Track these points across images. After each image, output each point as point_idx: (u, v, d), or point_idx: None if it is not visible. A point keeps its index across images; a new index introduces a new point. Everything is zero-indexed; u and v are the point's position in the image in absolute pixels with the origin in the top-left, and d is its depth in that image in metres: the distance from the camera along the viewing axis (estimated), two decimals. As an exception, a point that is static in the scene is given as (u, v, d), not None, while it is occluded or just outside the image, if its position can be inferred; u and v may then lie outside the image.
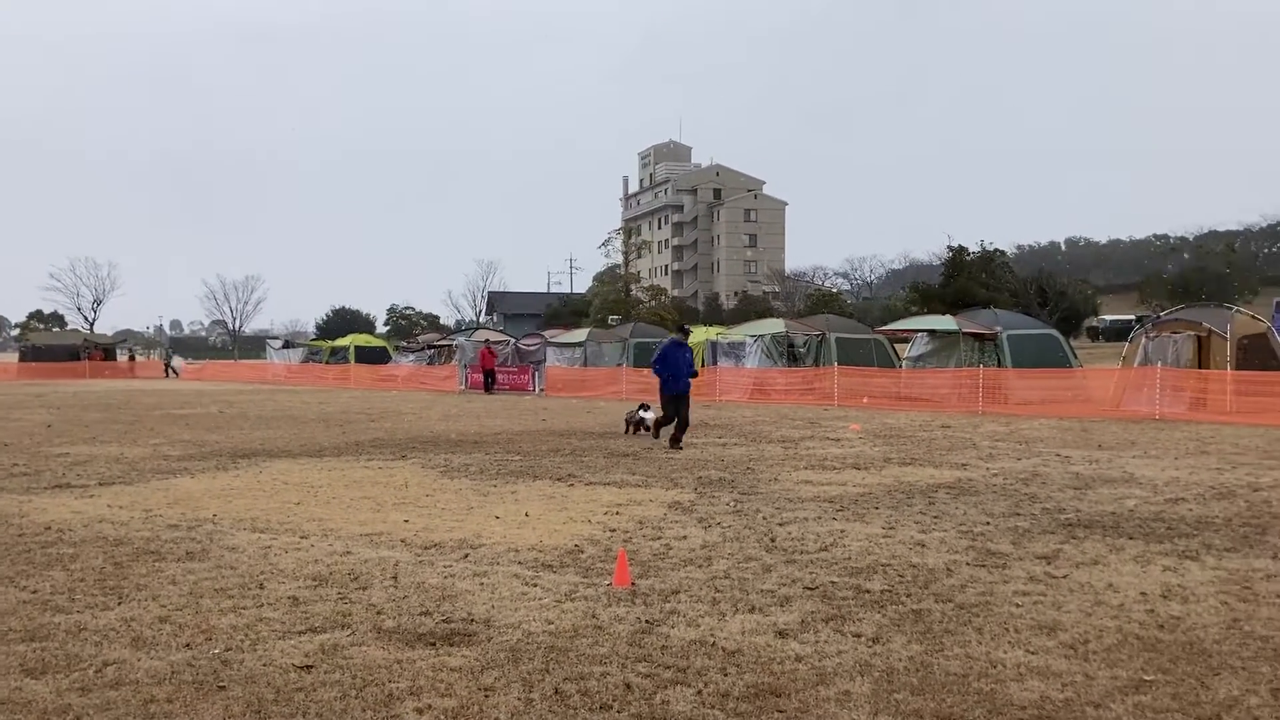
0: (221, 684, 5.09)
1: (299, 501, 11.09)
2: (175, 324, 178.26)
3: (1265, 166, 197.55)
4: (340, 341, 57.75)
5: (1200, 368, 24.01)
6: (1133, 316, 63.34)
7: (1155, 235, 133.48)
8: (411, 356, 49.02)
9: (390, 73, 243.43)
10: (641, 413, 19.36)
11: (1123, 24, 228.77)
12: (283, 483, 12.64)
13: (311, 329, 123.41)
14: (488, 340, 42.12)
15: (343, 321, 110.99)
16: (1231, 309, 26.76)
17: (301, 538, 8.97)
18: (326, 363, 52.78)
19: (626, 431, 19.35)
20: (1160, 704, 4.77)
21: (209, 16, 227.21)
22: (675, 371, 17.22)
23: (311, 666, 5.36)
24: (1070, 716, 4.63)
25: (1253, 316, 26.18)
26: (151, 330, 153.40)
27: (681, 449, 16.31)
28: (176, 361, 66.93)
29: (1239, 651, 5.55)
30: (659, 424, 18.03)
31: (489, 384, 37.01)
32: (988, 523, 9.53)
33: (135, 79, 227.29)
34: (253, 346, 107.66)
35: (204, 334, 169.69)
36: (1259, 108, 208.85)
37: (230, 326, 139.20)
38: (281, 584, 7.22)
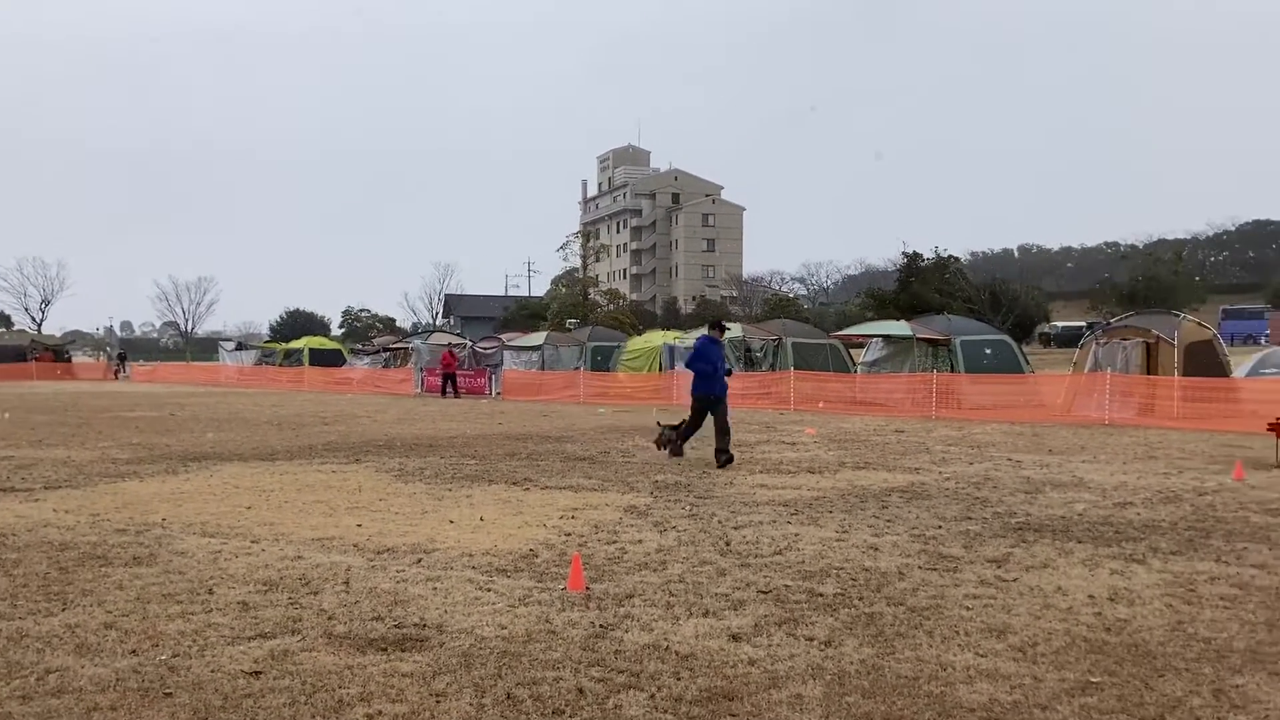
0: (168, 690, 5.01)
1: (250, 506, 10.96)
2: (126, 325, 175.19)
3: (1212, 176, 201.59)
4: (294, 344, 57.25)
5: (1149, 374, 24.42)
6: (1084, 323, 64.27)
7: (1106, 243, 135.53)
8: (367, 359, 48.69)
9: (349, 73, 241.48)
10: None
11: (1082, 33, 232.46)
12: (234, 487, 12.48)
13: (265, 331, 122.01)
14: (450, 344, 41.87)
15: (297, 323, 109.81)
16: (1179, 316, 27.25)
17: (252, 542, 8.87)
18: (280, 365, 52.27)
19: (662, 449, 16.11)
20: (1106, 705, 4.84)
21: (170, 15, 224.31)
22: (714, 369, 15.06)
23: (260, 672, 5.30)
24: (1018, 718, 4.68)
25: (1199, 323, 26.67)
26: (101, 331, 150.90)
27: (731, 461, 14.43)
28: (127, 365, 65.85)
29: (1182, 653, 5.65)
30: (680, 434, 15.65)
31: (450, 388, 36.75)
32: (939, 526, 9.62)
33: (90, 76, 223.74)
34: (205, 348, 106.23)
35: (156, 335, 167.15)
36: (1205, 119, 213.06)
37: (182, 328, 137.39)
38: (231, 589, 7.13)
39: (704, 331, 15.95)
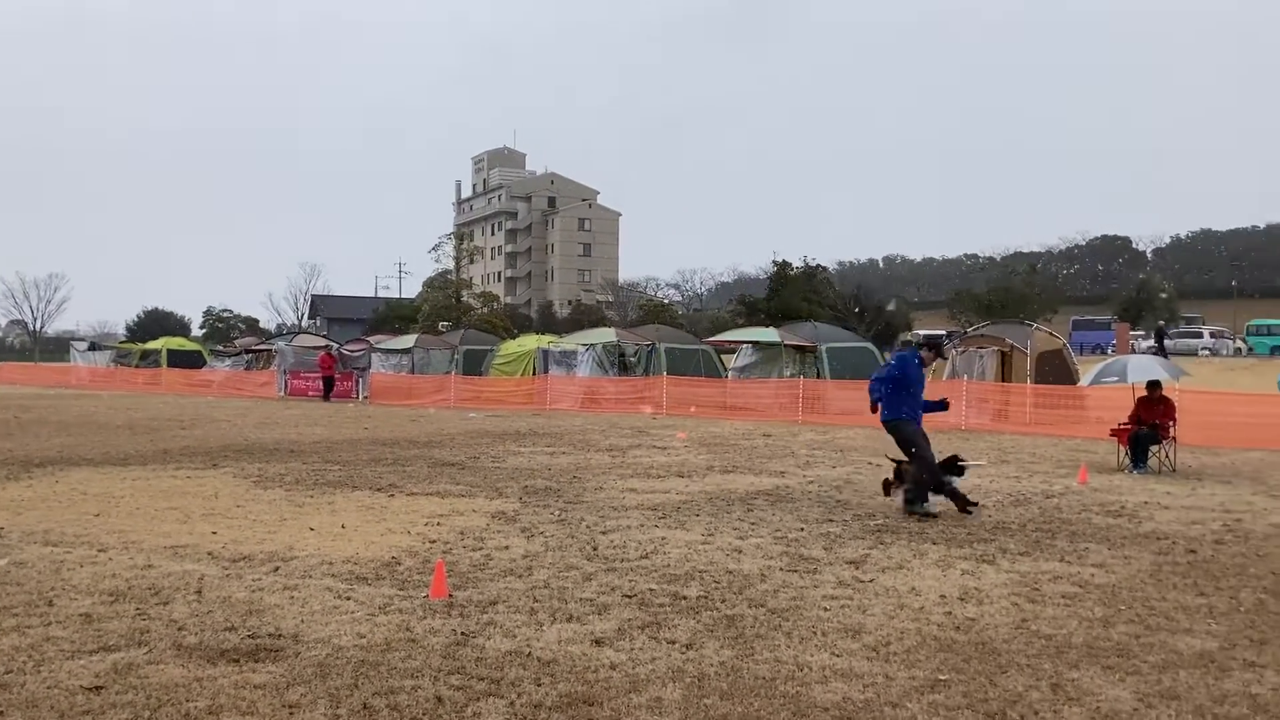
0: (-2, 710, 4.75)
1: (98, 513, 10.48)
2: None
3: (1065, 194, 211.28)
4: (152, 344, 54.99)
5: (1003, 381, 25.44)
6: (943, 331, 66.58)
7: (966, 255, 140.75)
8: (228, 361, 47.12)
9: (216, 66, 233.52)
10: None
11: (950, 48, 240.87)
12: (81, 493, 11.92)
13: (122, 331, 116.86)
14: (328, 346, 40.72)
15: (156, 323, 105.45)
16: (1032, 325, 28.47)
17: (99, 551, 8.49)
18: (136, 366, 50.16)
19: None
20: (953, 702, 5.01)
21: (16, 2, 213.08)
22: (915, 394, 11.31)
23: (102, 687, 5.07)
24: (869, 716, 4.81)
25: (1051, 333, 27.94)
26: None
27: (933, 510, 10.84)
28: None
29: (1025, 650, 5.89)
30: (924, 480, 10.90)
31: (328, 392, 35.63)
32: (802, 529, 9.83)
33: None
34: (56, 349, 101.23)
35: (1, 335, 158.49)
36: (1060, 137, 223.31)
37: (31, 327, 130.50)
38: (73, 600, 6.81)
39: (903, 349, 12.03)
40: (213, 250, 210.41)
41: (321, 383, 36.08)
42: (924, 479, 10.78)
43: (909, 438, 10.95)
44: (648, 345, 32.83)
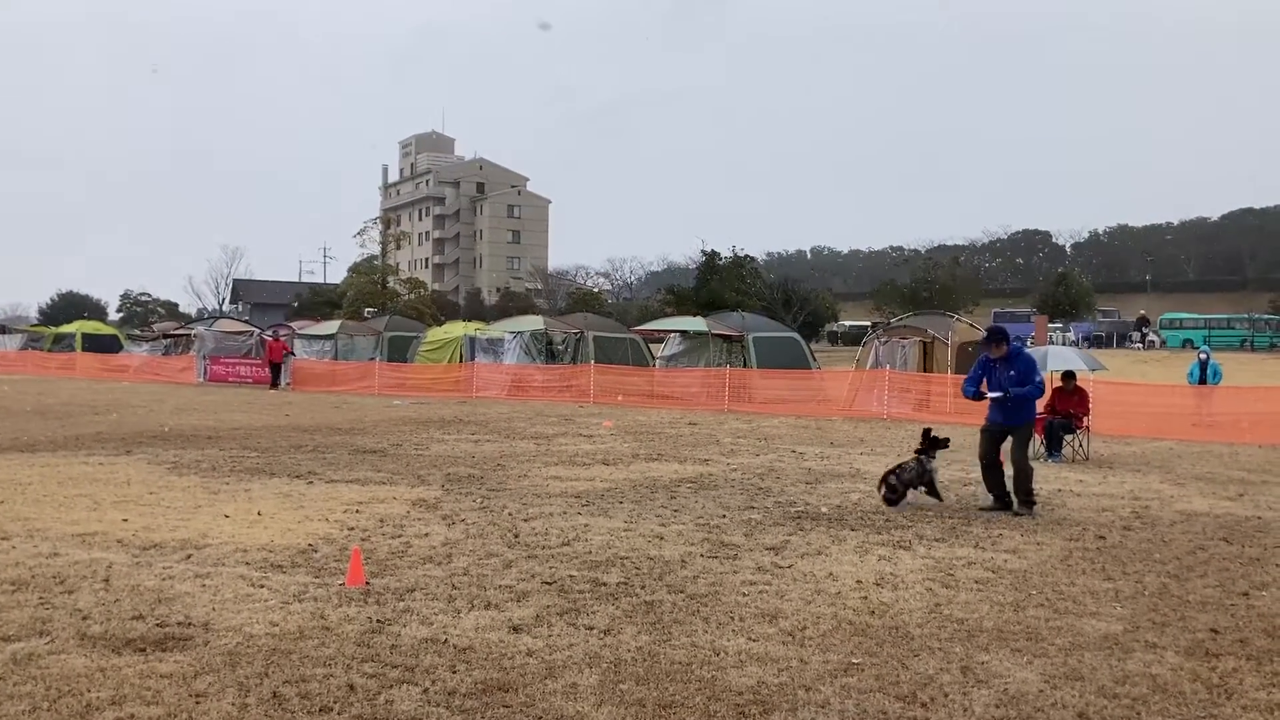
0: (-114, 702, 4.58)
1: (2, 500, 10.15)
2: None
3: (990, 187, 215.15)
4: (66, 328, 53.42)
5: (925, 371, 25.86)
6: (868, 322, 67.47)
7: (891, 247, 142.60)
8: (146, 346, 45.98)
9: (137, 44, 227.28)
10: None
11: (873, 42, 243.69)
12: (-15, 480, 11.54)
13: (34, 314, 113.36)
14: (275, 331, 39.59)
15: (70, 307, 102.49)
16: (953, 317, 28.97)
17: (2, 539, 8.23)
18: (49, 350, 48.69)
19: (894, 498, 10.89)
20: (865, 685, 5.08)
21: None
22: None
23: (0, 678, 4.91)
24: (783, 700, 4.86)
25: (971, 325, 28.44)
26: None
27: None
28: None
29: (938, 634, 6.00)
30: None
31: (276, 379, 34.22)
32: (724, 515, 9.89)
33: None
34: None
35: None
36: (981, 134, 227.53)
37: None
38: (-28, 590, 6.58)
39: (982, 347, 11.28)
40: (131, 233, 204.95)
41: (269, 369, 34.84)
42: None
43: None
44: (576, 333, 32.75)
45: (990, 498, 10.71)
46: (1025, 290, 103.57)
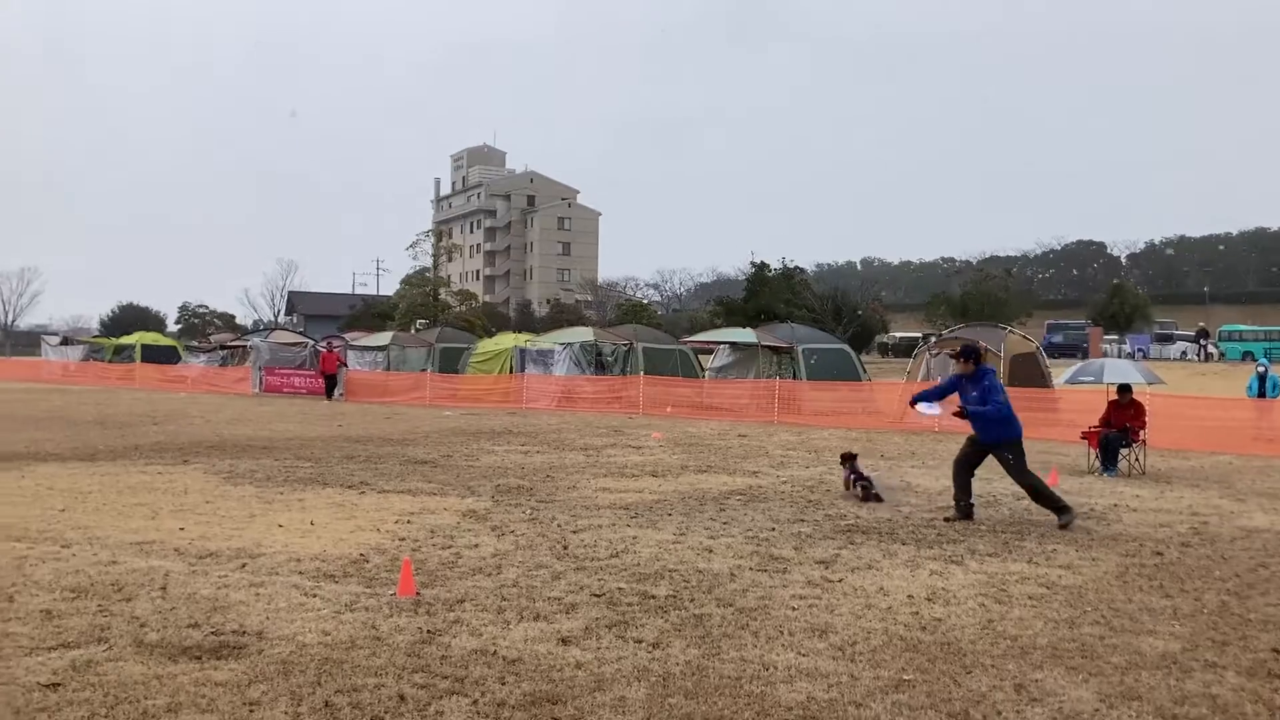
0: (-48, 706, 4.69)
1: (64, 508, 10.38)
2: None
3: (1042, 197, 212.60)
4: (126, 339, 54.50)
5: (977, 383, 25.53)
6: (919, 334, 66.87)
7: (942, 258, 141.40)
8: (203, 357, 46.75)
9: (196, 64, 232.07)
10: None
11: (928, 54, 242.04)
12: (47, 488, 11.80)
13: (96, 326, 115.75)
14: (329, 342, 39.96)
15: (130, 318, 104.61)
16: (1005, 329, 28.65)
17: (63, 547, 8.40)
18: (110, 361, 49.71)
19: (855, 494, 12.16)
20: (916, 701, 5.03)
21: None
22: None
23: (59, 684, 5.02)
24: (833, 716, 4.82)
25: (1024, 336, 28.10)
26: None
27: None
28: None
29: (990, 650, 5.92)
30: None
31: (330, 390, 34.33)
32: (773, 528, 9.84)
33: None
34: (27, 343, 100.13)
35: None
36: (1040, 140, 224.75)
37: (2, 321, 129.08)
38: (34, 596, 6.73)
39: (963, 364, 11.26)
40: (190, 246, 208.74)
41: (323, 380, 35.06)
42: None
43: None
44: (625, 345, 32.82)
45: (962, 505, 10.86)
46: (1079, 302, 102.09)
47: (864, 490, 11.92)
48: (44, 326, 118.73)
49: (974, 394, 10.91)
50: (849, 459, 12.73)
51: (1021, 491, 11.00)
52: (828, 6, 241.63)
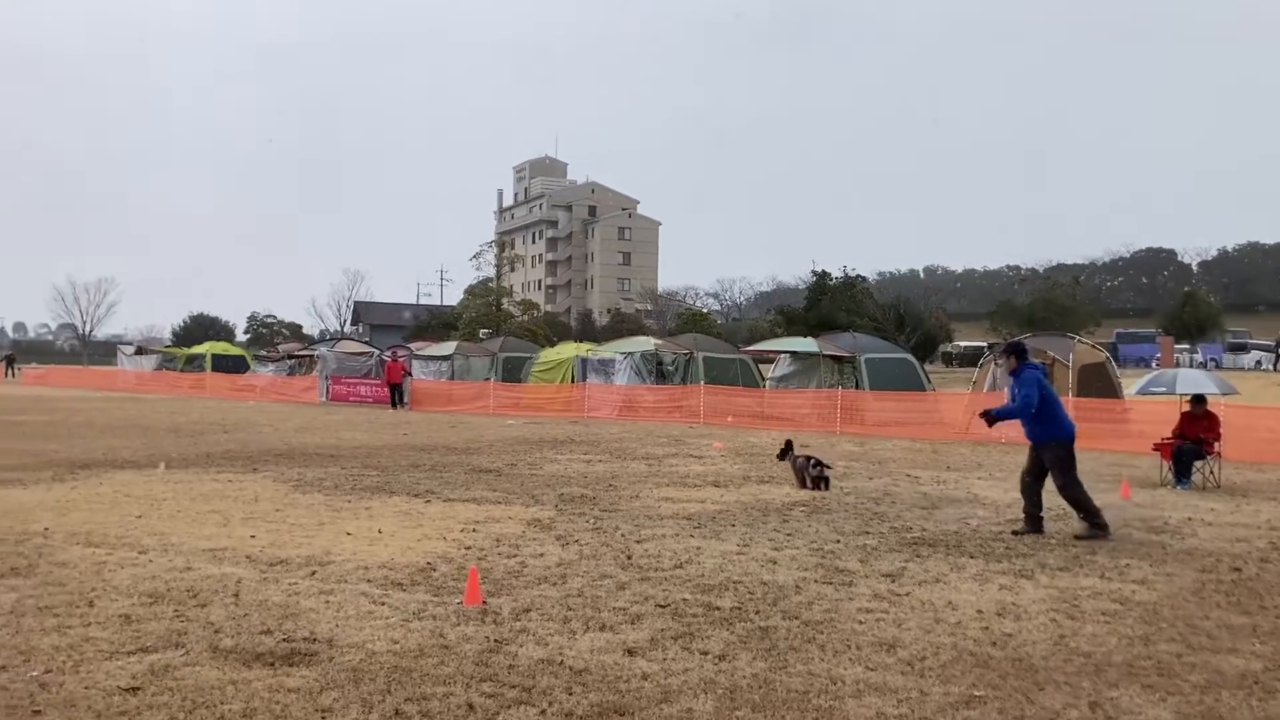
0: (37, 708, 4.83)
1: (140, 515, 10.63)
2: (20, 326, 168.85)
3: (1108, 206, 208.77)
4: (197, 349, 55.74)
5: (1044, 394, 25.08)
6: (984, 343, 65.95)
7: (1008, 266, 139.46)
8: (271, 366, 47.64)
9: (265, 76, 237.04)
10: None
11: (992, 57, 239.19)
12: (124, 495, 12.10)
13: (168, 335, 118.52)
14: (394, 352, 40.43)
15: (201, 328, 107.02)
16: (1073, 338, 28.11)
17: (140, 553, 8.60)
18: (181, 371, 50.85)
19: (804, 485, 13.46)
20: (988, 718, 4.95)
21: (77, 7, 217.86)
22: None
23: (138, 688, 5.13)
24: (903, 731, 4.76)
25: (1093, 346, 27.59)
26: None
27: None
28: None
29: (1063, 667, 5.81)
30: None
31: (395, 399, 34.65)
32: (838, 540, 9.76)
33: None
34: (104, 353, 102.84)
35: (51, 338, 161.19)
36: (1106, 148, 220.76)
37: (80, 331, 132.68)
38: (113, 601, 6.90)
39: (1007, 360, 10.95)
40: (258, 256, 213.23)
41: (388, 389, 35.42)
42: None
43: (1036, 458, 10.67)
44: (686, 354, 32.79)
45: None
46: (1149, 310, 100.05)
47: (818, 473, 12.52)
48: (119, 336, 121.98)
49: (1014, 390, 10.68)
50: (787, 450, 12.82)
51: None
52: (894, 3, 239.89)
